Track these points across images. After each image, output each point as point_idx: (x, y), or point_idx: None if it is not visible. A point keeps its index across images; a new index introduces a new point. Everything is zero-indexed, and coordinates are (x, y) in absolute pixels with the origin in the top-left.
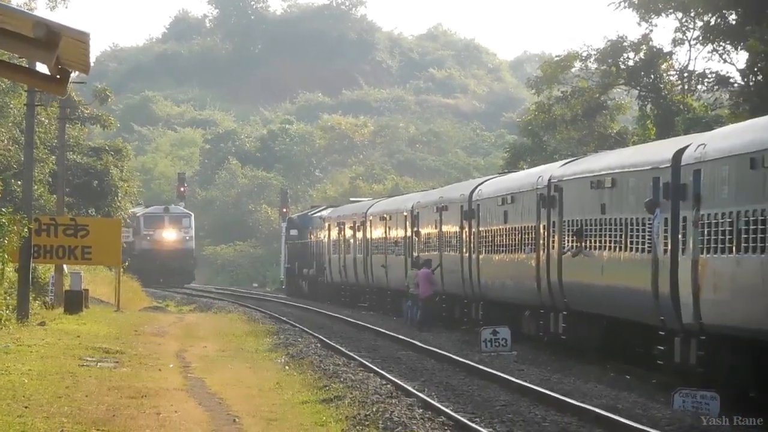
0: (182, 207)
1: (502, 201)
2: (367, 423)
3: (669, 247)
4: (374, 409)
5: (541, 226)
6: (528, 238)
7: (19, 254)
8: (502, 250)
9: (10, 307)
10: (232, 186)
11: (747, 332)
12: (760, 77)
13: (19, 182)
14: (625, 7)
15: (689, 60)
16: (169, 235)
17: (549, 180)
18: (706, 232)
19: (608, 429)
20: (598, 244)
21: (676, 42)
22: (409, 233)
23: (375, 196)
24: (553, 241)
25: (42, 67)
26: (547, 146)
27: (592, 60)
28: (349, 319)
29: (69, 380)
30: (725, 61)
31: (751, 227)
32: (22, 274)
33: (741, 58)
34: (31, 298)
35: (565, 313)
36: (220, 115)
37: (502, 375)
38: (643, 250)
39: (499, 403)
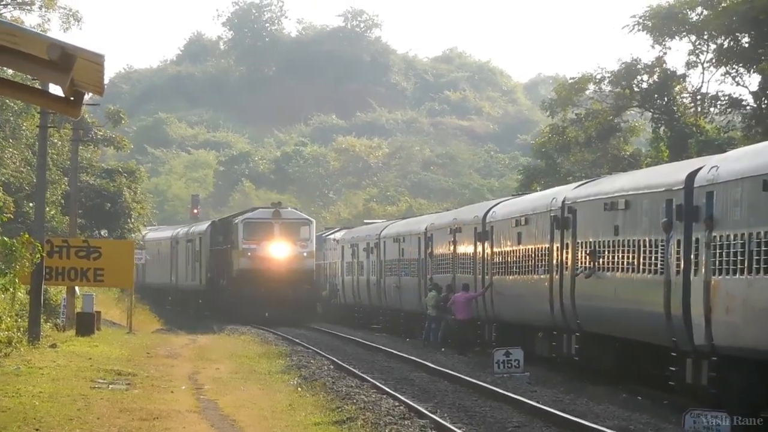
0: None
1: (515, 223)
2: None
3: (681, 268)
4: (387, 431)
5: (555, 248)
6: (541, 260)
7: (31, 276)
8: (516, 272)
9: (22, 329)
10: (245, 208)
11: (759, 354)
12: None
13: (31, 204)
14: (639, 30)
15: (702, 82)
16: (280, 249)
17: (563, 202)
18: (718, 254)
19: None
20: (611, 265)
21: (689, 65)
22: (422, 255)
23: (389, 218)
24: (567, 263)
25: (56, 89)
26: (561, 168)
27: (606, 82)
28: (362, 340)
29: (80, 402)
30: (738, 83)
31: (763, 249)
32: (33, 296)
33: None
34: (42, 320)
35: (578, 334)
36: (234, 137)
37: (514, 396)
38: (655, 271)
39: (512, 424)
